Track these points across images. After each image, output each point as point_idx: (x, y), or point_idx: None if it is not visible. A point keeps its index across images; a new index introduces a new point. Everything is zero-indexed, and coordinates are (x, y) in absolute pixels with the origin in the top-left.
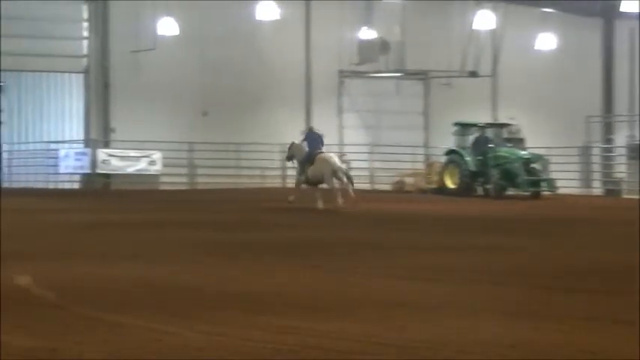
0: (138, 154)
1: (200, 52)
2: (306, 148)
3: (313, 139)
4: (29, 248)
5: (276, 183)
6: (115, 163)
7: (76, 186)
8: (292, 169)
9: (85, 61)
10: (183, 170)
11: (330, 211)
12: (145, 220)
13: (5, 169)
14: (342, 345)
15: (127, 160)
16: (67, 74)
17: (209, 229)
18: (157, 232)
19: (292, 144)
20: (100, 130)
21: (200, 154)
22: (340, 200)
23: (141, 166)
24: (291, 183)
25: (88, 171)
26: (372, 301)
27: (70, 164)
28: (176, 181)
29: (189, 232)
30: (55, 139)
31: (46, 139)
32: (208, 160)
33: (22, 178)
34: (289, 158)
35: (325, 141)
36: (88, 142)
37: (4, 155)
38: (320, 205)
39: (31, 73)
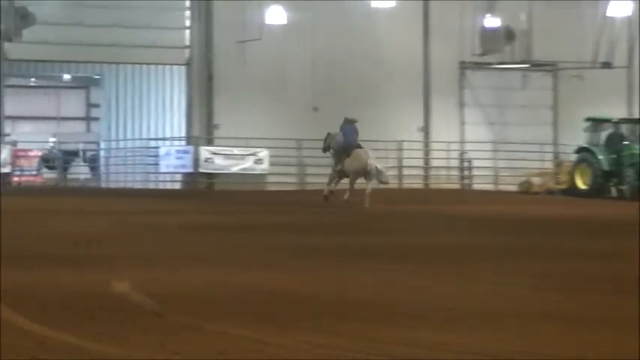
0: (243, 152)
1: (310, 43)
2: (341, 139)
3: (349, 130)
4: (127, 252)
5: (392, 184)
6: (219, 161)
7: (177, 186)
8: (409, 167)
9: (187, 52)
10: (292, 169)
11: (445, 215)
12: (251, 222)
13: (102, 168)
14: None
15: (232, 159)
16: (168, 66)
17: (319, 233)
18: (263, 236)
19: (328, 134)
20: (202, 127)
21: (310, 152)
22: (346, 195)
23: (246, 165)
24: (407, 183)
25: (190, 170)
26: (503, 312)
27: (171, 163)
28: (284, 181)
29: (298, 235)
30: (155, 135)
31: (145, 136)
32: (318, 159)
33: (120, 177)
34: (325, 149)
35: (445, 137)
36: (190, 139)
37: (102, 153)
38: (326, 191)
39: (130, 65)
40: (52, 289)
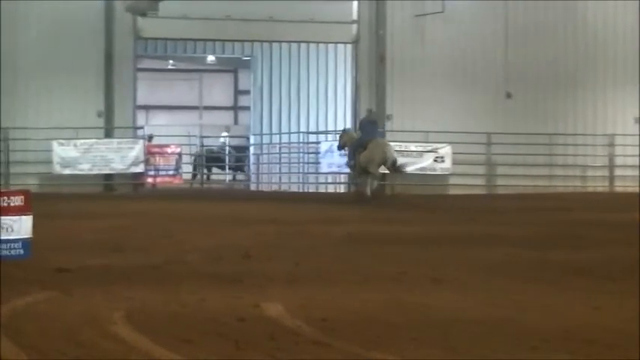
0: (421, 149)
1: (503, 16)
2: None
3: (369, 127)
4: (281, 268)
5: (602, 186)
6: None
7: (341, 189)
8: (622, 167)
9: (354, 28)
10: (480, 169)
11: None
12: (428, 233)
13: (252, 167)
14: None
15: (407, 157)
16: (331, 45)
17: (511, 246)
18: (444, 249)
19: (344, 132)
20: None
21: (501, 149)
22: (368, 189)
23: (425, 163)
24: (620, 186)
25: None
26: None
27: (335, 161)
28: (470, 183)
29: (486, 249)
30: (316, 128)
31: (303, 129)
32: (512, 157)
33: (274, 178)
34: (341, 147)
35: None
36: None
37: (251, 150)
38: (368, 191)
39: (286, 44)
40: (190, 310)
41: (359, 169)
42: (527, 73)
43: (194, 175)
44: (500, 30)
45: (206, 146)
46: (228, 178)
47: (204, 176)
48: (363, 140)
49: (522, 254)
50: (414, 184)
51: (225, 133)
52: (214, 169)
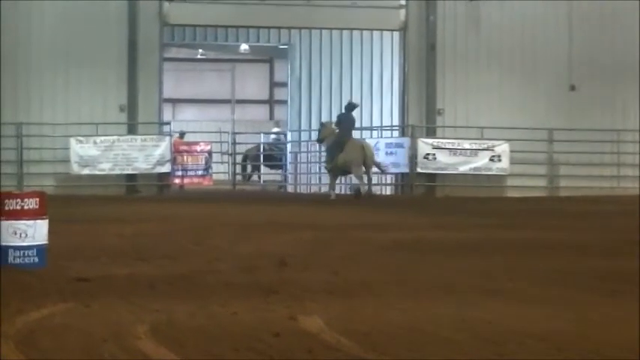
0: (475, 147)
1: (567, 1)
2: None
3: (346, 121)
4: (320, 278)
5: None
6: (443, 158)
7: (387, 190)
8: None
9: (402, 13)
10: (540, 169)
11: None
12: (482, 239)
13: (289, 167)
14: None
15: (460, 155)
16: (376, 33)
17: (573, 253)
18: (499, 257)
19: (323, 125)
20: (421, 112)
21: (564, 146)
22: (363, 190)
23: (479, 163)
24: None
25: (404, 170)
26: None
27: (380, 160)
28: (529, 184)
29: (545, 257)
30: (359, 124)
31: None
32: (576, 155)
33: (313, 179)
34: (320, 141)
35: None
36: (405, 128)
37: (289, 147)
38: (333, 196)
39: (327, 31)
40: (220, 324)
41: (339, 171)
42: (593, 63)
43: (248, 176)
44: (563, 15)
45: (248, 143)
46: (267, 178)
47: (248, 177)
48: (341, 139)
49: (585, 262)
50: (468, 186)
51: (276, 129)
52: (263, 169)
